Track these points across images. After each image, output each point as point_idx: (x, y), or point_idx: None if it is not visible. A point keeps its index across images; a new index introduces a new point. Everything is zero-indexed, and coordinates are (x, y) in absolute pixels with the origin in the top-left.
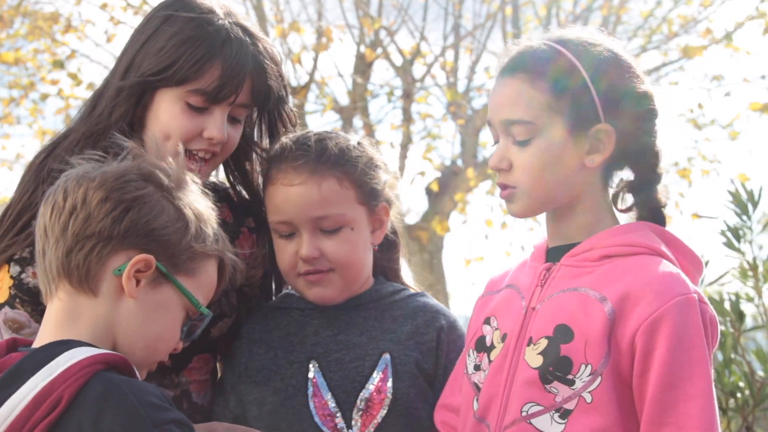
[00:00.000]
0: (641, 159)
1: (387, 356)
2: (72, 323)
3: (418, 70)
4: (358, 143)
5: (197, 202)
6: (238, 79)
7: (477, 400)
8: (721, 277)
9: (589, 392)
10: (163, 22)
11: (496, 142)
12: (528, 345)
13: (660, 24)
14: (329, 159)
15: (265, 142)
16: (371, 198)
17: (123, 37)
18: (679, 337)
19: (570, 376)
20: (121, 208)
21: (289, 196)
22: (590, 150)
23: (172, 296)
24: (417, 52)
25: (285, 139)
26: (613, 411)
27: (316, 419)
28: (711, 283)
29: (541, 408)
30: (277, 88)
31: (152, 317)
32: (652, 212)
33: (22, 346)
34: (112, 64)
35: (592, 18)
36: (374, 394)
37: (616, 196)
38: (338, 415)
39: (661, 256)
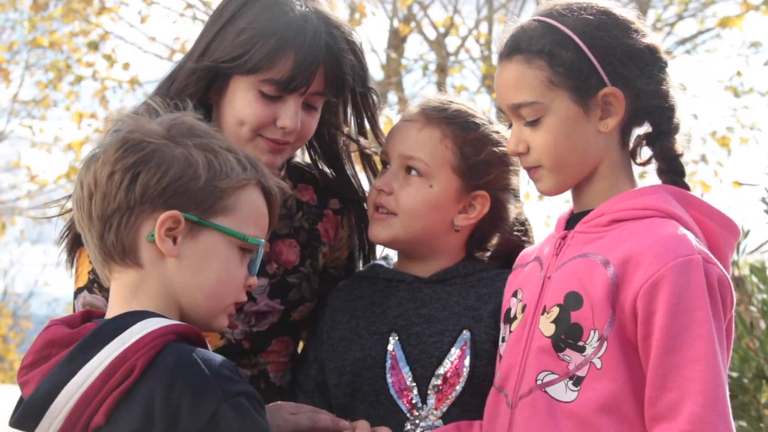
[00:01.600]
0: (656, 112)
1: (467, 333)
2: (134, 297)
3: (452, 43)
4: (489, 120)
5: (211, 139)
6: (310, 70)
7: (498, 370)
8: (763, 245)
9: (598, 358)
10: (240, 7)
11: (510, 126)
12: (543, 314)
13: None
14: (444, 112)
15: (348, 129)
16: (470, 175)
17: (156, 17)
18: (679, 299)
19: (581, 343)
20: (129, 176)
21: (397, 128)
22: (603, 115)
23: (216, 240)
24: (451, 25)
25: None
26: (623, 376)
27: (392, 392)
28: (752, 252)
29: (556, 376)
30: (354, 75)
31: (202, 267)
32: (668, 163)
33: (96, 317)
34: (146, 45)
35: None
36: (451, 370)
37: (633, 152)
38: (414, 389)
39: (674, 218)
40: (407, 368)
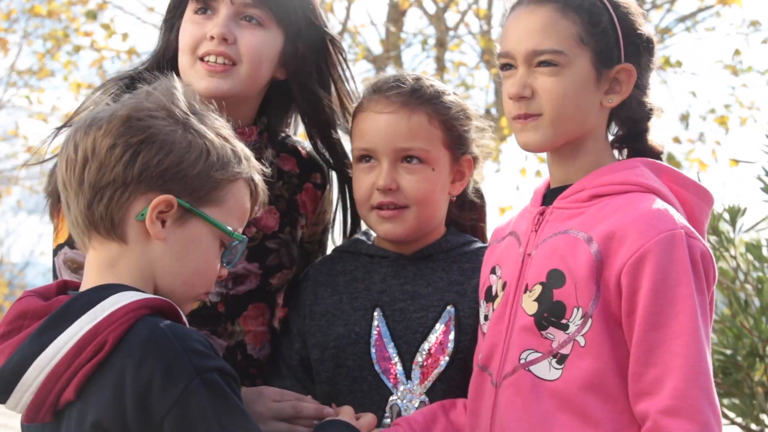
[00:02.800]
0: (639, 110)
1: (451, 308)
2: (111, 270)
3: (451, 18)
4: (454, 92)
5: (212, 127)
6: None
7: (480, 349)
8: (759, 223)
9: (582, 335)
10: None
11: (503, 69)
12: (525, 292)
13: None
14: (423, 95)
15: (326, 93)
16: (457, 145)
17: None
18: (663, 275)
19: (564, 321)
20: (130, 152)
21: (378, 123)
22: (608, 90)
23: (202, 229)
24: (450, 0)
25: (383, 74)
26: (607, 353)
27: (377, 368)
28: (748, 230)
29: (539, 354)
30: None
31: (185, 254)
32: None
33: (71, 289)
34: (144, 15)
35: None
36: (435, 346)
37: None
38: (398, 365)
39: (654, 193)
40: (392, 344)
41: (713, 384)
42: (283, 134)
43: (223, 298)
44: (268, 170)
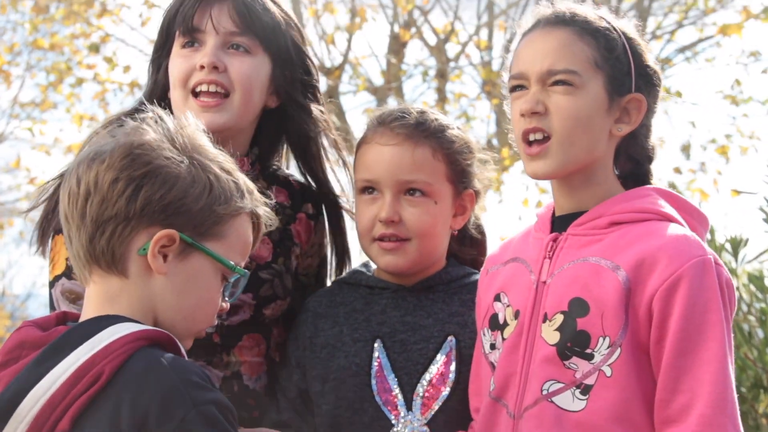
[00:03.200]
0: (643, 148)
1: (452, 339)
2: (110, 304)
3: (452, 49)
4: (458, 127)
5: (215, 161)
6: (206, 2)
7: (492, 380)
8: (762, 254)
9: (608, 365)
10: None
11: (513, 91)
12: (543, 321)
13: None
14: (428, 128)
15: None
16: (460, 179)
17: (157, 20)
18: (695, 301)
19: (588, 351)
20: (133, 186)
21: (382, 155)
22: (619, 119)
23: (204, 264)
24: (451, 31)
25: (388, 106)
26: (634, 383)
27: (377, 399)
28: (751, 261)
29: (561, 385)
30: (273, 22)
31: (187, 289)
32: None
33: (71, 320)
34: (147, 48)
35: None
36: (437, 376)
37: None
38: (399, 396)
39: (671, 221)
40: (392, 375)
41: (738, 412)
42: (274, 166)
43: (218, 328)
44: (272, 201)
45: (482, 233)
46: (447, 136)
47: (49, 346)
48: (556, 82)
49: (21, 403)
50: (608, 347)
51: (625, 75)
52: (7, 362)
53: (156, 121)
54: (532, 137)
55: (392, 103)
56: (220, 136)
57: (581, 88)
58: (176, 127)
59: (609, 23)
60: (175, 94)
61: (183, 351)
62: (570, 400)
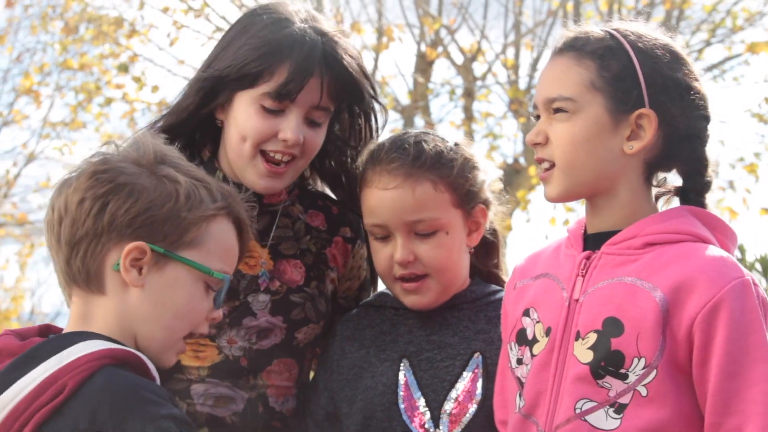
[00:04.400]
0: (686, 161)
1: (479, 356)
2: (86, 320)
3: (479, 68)
4: (456, 144)
5: (182, 170)
6: (304, 76)
7: (520, 395)
8: None
9: (644, 385)
10: (244, 26)
11: (537, 120)
12: (576, 339)
13: (724, 18)
14: (425, 162)
15: (354, 142)
16: (467, 201)
17: (185, 40)
18: (738, 323)
19: (622, 370)
20: (98, 204)
21: (384, 199)
22: (631, 136)
23: (180, 272)
24: (478, 50)
25: (382, 140)
26: (671, 403)
27: (405, 418)
28: None
29: (594, 404)
30: (356, 88)
31: (164, 299)
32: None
33: (53, 333)
34: (175, 68)
35: (654, 13)
36: (464, 394)
37: (658, 197)
38: (427, 413)
39: (706, 242)
40: (419, 393)
41: None
42: (313, 189)
43: (246, 352)
44: (255, 204)
45: (496, 237)
46: (446, 163)
47: (20, 357)
48: (556, 110)
49: None
50: (643, 368)
51: (629, 91)
52: None
53: (116, 146)
54: (541, 166)
55: (419, 124)
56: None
57: (578, 113)
58: (137, 144)
59: (618, 38)
60: (242, 148)
61: (153, 372)
62: (603, 419)
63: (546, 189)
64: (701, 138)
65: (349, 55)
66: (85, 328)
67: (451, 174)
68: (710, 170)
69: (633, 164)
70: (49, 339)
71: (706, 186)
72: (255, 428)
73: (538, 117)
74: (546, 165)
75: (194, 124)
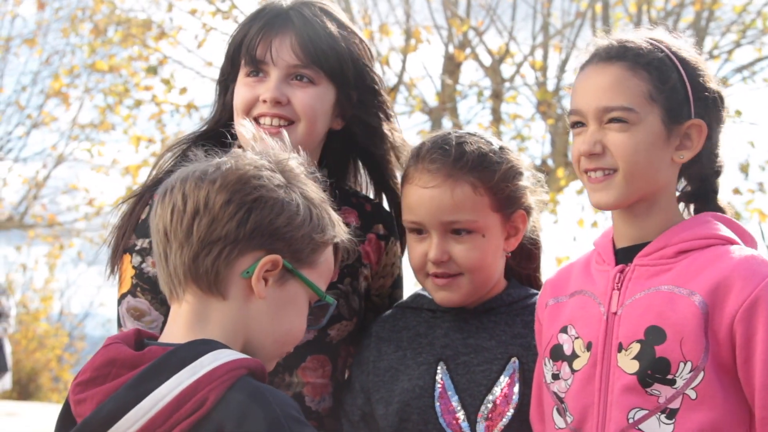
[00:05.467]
0: (709, 168)
1: (515, 361)
2: (202, 325)
3: (507, 70)
4: (500, 148)
5: (310, 189)
6: (263, 33)
7: (557, 410)
8: None
9: (692, 389)
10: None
11: (573, 127)
12: (619, 351)
13: (754, 19)
14: (466, 164)
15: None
16: (507, 206)
17: (213, 42)
18: None
19: (670, 376)
20: (244, 210)
21: (423, 198)
22: (679, 146)
23: (299, 290)
24: (506, 52)
25: (426, 138)
26: (721, 403)
27: (441, 421)
28: None
29: (646, 412)
30: (332, 48)
31: (281, 314)
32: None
33: (145, 338)
34: (203, 70)
35: (684, 14)
36: (500, 398)
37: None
38: (463, 417)
39: (732, 243)
40: (456, 397)
41: None
42: (347, 187)
43: None
44: (351, 233)
45: (537, 246)
46: (488, 167)
47: (148, 367)
48: (612, 119)
49: (117, 423)
50: (690, 371)
51: (681, 103)
52: (96, 379)
53: (266, 150)
54: (592, 174)
55: (447, 126)
56: None
57: (637, 124)
58: (280, 156)
59: (664, 50)
60: (238, 121)
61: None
62: (656, 426)
63: (599, 195)
64: (716, 141)
65: (327, 18)
66: (200, 332)
67: (492, 178)
68: (720, 176)
69: (674, 173)
70: (174, 349)
71: (717, 190)
72: None
73: (576, 124)
74: (600, 174)
75: (221, 127)
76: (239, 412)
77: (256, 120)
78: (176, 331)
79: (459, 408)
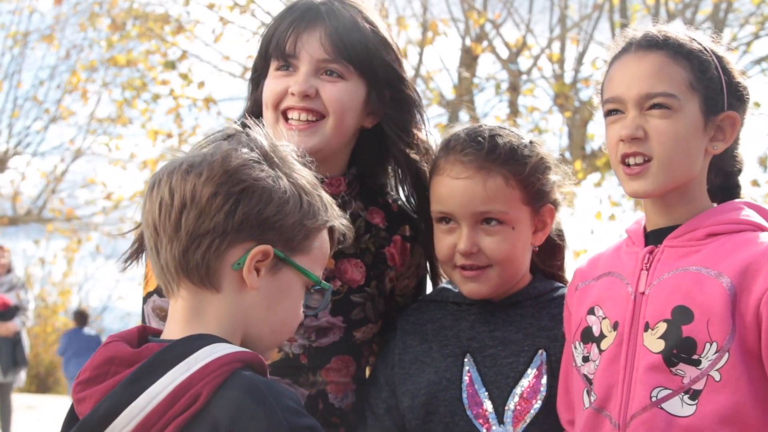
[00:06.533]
0: (727, 162)
1: (543, 353)
2: (200, 319)
3: (524, 62)
4: (531, 142)
5: (301, 174)
6: (293, 27)
7: (587, 392)
8: None
9: (717, 370)
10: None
11: (608, 115)
12: (645, 331)
13: None
14: (499, 156)
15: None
16: (537, 199)
17: (230, 36)
18: None
19: (695, 357)
20: (232, 201)
21: (454, 189)
22: (714, 137)
23: (292, 278)
24: (523, 45)
25: (458, 130)
26: (744, 387)
27: (469, 413)
28: None
29: (670, 391)
30: (362, 43)
31: (276, 303)
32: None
33: (151, 335)
34: (220, 64)
35: (702, 6)
36: (528, 390)
37: None
38: (491, 409)
39: (764, 230)
40: (483, 389)
41: None
42: (377, 186)
43: (306, 350)
44: (347, 217)
45: (562, 238)
46: (519, 159)
47: (143, 365)
48: (654, 106)
49: (114, 421)
50: (716, 352)
51: (718, 94)
52: (96, 377)
53: (249, 139)
54: (631, 161)
55: (464, 119)
56: (314, 156)
57: (679, 111)
58: (270, 145)
59: (700, 44)
60: (266, 115)
61: (268, 373)
62: (679, 406)
63: (637, 184)
64: (739, 139)
65: (358, 15)
66: (197, 327)
67: (523, 171)
68: (741, 173)
69: (707, 163)
70: (170, 345)
71: (740, 185)
72: None
73: (611, 112)
74: (640, 160)
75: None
76: (234, 408)
77: (284, 114)
78: (174, 327)
79: (486, 400)
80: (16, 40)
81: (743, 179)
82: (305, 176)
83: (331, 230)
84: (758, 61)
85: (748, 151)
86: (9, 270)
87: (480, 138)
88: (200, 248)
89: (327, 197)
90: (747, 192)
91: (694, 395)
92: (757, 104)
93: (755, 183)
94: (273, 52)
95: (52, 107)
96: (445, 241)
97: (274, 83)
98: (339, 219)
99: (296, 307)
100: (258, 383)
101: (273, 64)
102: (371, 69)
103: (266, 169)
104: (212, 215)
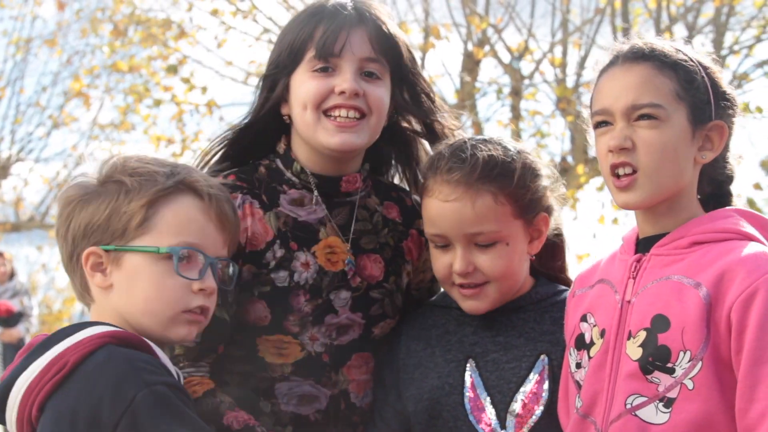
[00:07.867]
0: (718, 171)
1: (545, 358)
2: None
3: (526, 67)
4: (518, 152)
5: (128, 165)
6: (338, 27)
7: (579, 397)
8: None
9: (690, 379)
10: (287, 23)
11: (597, 127)
12: (628, 339)
13: None
14: (484, 173)
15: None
16: (529, 210)
17: (233, 42)
18: None
19: (669, 365)
20: (65, 227)
21: (444, 211)
22: (702, 147)
23: (137, 261)
24: (525, 49)
25: (441, 148)
26: (716, 396)
27: (471, 418)
28: None
29: (645, 399)
30: (394, 42)
31: (131, 288)
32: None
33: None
34: (223, 69)
35: (704, 9)
36: (530, 395)
37: None
38: (493, 414)
39: (751, 240)
40: (485, 394)
41: None
42: (386, 181)
43: (327, 348)
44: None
45: (561, 239)
46: (506, 173)
47: (39, 343)
48: (641, 116)
49: (12, 390)
50: (689, 361)
51: (705, 104)
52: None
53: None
54: (621, 171)
55: (466, 124)
56: (348, 155)
57: (666, 121)
58: (106, 161)
59: (686, 55)
60: (306, 115)
61: (159, 352)
62: (653, 414)
63: (627, 196)
64: (729, 148)
65: (381, 14)
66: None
67: (511, 184)
68: (733, 183)
69: (696, 173)
70: (62, 328)
71: (731, 193)
72: (337, 425)
73: (600, 124)
74: (629, 170)
75: (265, 122)
76: (94, 373)
77: (327, 113)
78: None
79: (489, 405)
80: (18, 46)
81: (746, 183)
82: (136, 168)
83: (193, 189)
84: (760, 65)
85: (750, 155)
86: (12, 276)
87: (464, 155)
88: (75, 274)
89: (175, 164)
90: (750, 195)
91: (668, 403)
92: (759, 109)
93: (758, 186)
94: (315, 51)
95: (54, 113)
96: (441, 261)
97: (315, 83)
98: (190, 179)
99: (156, 282)
100: (120, 353)
101: (308, 64)
102: (399, 68)
103: (88, 185)
104: (63, 246)
